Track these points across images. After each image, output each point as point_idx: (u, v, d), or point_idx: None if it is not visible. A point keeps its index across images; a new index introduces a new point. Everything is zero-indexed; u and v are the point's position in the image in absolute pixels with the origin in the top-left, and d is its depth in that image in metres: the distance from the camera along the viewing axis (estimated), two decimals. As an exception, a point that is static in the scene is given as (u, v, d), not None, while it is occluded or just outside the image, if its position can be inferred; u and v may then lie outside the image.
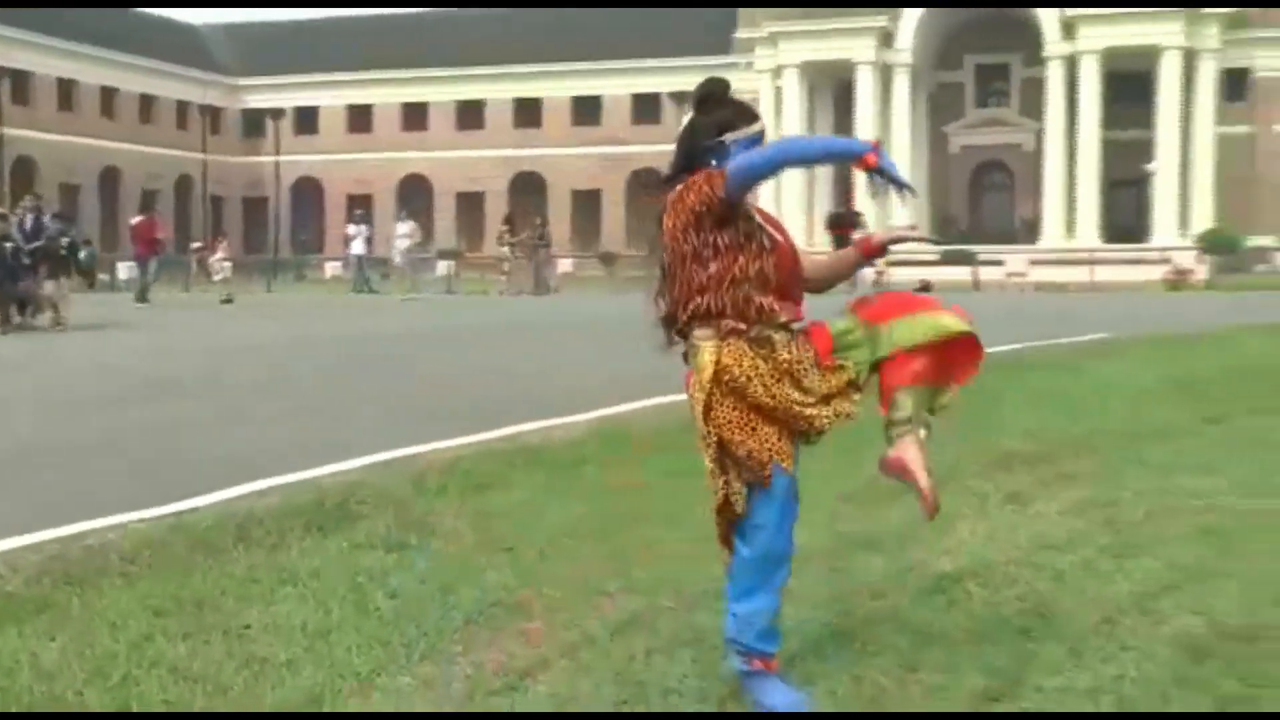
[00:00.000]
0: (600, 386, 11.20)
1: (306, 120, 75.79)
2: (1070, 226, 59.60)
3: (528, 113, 72.62)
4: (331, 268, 59.96)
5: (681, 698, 3.54)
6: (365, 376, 13.15)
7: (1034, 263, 47.20)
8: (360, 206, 51.17)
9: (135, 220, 34.16)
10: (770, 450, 3.45)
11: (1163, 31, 58.40)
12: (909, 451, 3.56)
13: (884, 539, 5.28)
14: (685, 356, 3.55)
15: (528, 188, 70.99)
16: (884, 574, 4.77)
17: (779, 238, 3.56)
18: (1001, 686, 3.58)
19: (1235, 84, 61.62)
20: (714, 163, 3.48)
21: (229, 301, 31.60)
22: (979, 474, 6.71)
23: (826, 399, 3.47)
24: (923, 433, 3.58)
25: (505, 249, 37.50)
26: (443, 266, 39.12)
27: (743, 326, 3.43)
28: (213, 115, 71.85)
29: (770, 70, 64.08)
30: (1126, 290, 36.06)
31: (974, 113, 68.12)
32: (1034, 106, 63.16)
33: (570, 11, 74.79)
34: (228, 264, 36.48)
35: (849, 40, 61.51)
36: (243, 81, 76.42)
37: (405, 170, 74.13)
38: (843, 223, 37.17)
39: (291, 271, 59.28)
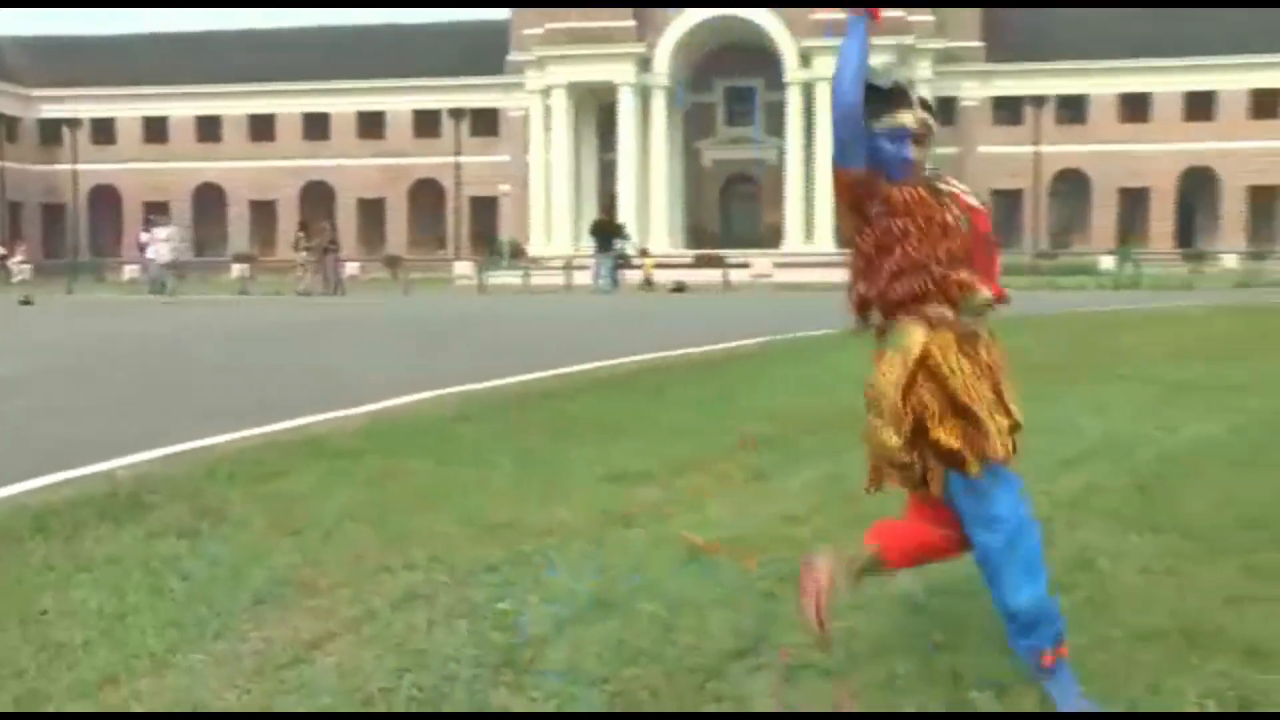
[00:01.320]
0: (381, 380, 11.05)
1: (103, 130, 72.66)
2: (809, 232, 61.23)
3: (316, 126, 71.17)
4: (130, 270, 57.76)
5: (459, 664, 3.51)
6: (160, 372, 12.71)
7: (778, 265, 48.22)
8: (157, 213, 49.44)
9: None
10: (966, 443, 3.09)
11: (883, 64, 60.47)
12: (828, 567, 3.30)
13: (642, 516, 5.32)
14: (878, 332, 3.23)
15: (317, 196, 69.63)
16: (642, 548, 4.80)
17: (963, 216, 3.23)
18: (748, 645, 3.64)
19: (945, 110, 64.25)
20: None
21: (28, 303, 30.17)
22: (727, 455, 6.82)
23: (1005, 429, 3.18)
24: (846, 576, 3.32)
25: (303, 253, 36.88)
26: (237, 269, 38.20)
27: (950, 314, 3.13)
28: (8, 124, 68.47)
29: (540, 90, 64.40)
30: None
31: (724, 130, 69.43)
32: (777, 126, 64.75)
33: (357, 31, 73.98)
34: (27, 266, 34.93)
35: (611, 64, 62.06)
36: (37, 92, 72.66)
37: (200, 179, 71.89)
38: (606, 229, 37.49)
39: (91, 274, 56.87)
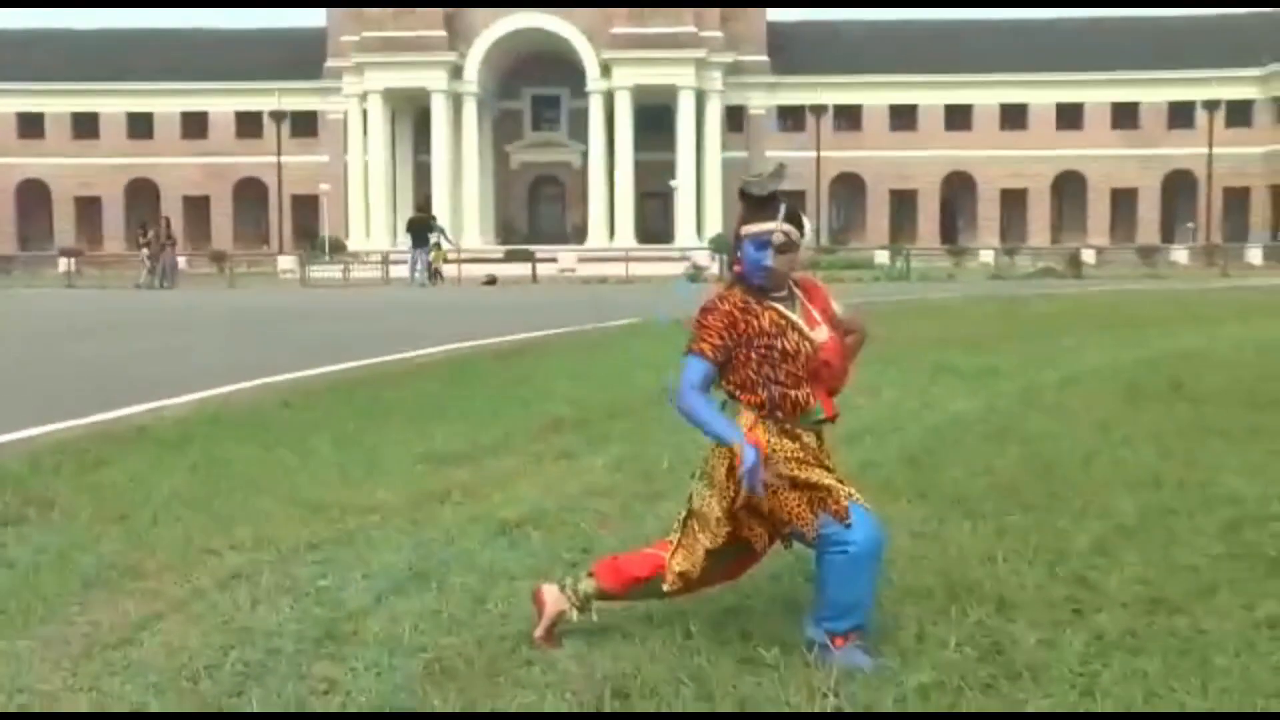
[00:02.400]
0: (206, 369, 10.71)
1: (-79, 127, 68.70)
2: (611, 230, 61.75)
3: (141, 125, 68.45)
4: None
5: (282, 639, 3.43)
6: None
7: (582, 260, 48.41)
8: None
9: None
10: (806, 509, 3.20)
11: (679, 74, 61.39)
12: (555, 601, 3.41)
13: (454, 494, 5.29)
14: (722, 405, 3.30)
15: (143, 193, 67.09)
16: (454, 523, 4.76)
17: (814, 336, 3.27)
18: (555, 612, 3.64)
19: (735, 118, 65.48)
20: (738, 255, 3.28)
21: None
22: (535, 437, 6.81)
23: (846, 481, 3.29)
24: (575, 614, 3.42)
25: (144, 249, 36.11)
26: (64, 264, 36.76)
27: (780, 415, 3.23)
28: None
29: (357, 95, 63.52)
30: (656, 282, 37.44)
31: (531, 135, 69.48)
32: (580, 131, 65.05)
33: (179, 34, 71.52)
34: None
35: (424, 71, 61.43)
36: None
37: (23, 175, 68.44)
38: (422, 226, 37.00)
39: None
